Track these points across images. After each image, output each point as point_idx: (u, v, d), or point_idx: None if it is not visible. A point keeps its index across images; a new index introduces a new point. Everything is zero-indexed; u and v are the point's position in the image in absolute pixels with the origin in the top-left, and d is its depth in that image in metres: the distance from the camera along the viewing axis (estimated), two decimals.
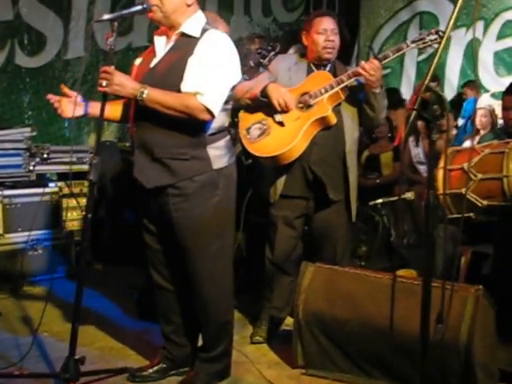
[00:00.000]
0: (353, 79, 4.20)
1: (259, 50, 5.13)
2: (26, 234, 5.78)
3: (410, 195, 5.82)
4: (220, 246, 3.48)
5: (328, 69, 4.41)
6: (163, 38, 3.48)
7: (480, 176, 3.94)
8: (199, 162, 3.34)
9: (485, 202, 3.95)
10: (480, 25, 8.98)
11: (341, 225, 4.47)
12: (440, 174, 4.00)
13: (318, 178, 4.32)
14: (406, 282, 3.42)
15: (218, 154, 3.40)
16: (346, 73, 4.21)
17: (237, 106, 4.19)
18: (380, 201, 5.79)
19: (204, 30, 3.36)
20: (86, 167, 6.66)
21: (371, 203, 5.81)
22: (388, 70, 10.34)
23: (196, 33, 3.35)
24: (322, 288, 3.80)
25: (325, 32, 4.32)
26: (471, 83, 8.78)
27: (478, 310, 3.27)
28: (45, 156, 6.51)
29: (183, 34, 3.38)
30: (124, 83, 3.20)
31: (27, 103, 7.92)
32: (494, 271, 4.29)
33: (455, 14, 2.23)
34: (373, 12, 10.60)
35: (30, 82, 7.89)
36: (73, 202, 6.61)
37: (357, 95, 4.36)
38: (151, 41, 3.58)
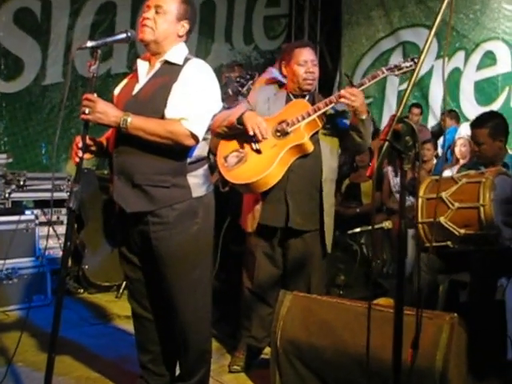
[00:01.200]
0: (329, 106, 4.18)
1: (238, 79, 5.13)
2: (1, 262, 5.74)
3: (387, 224, 5.82)
4: (198, 274, 3.47)
5: (306, 99, 4.39)
6: (146, 64, 3.48)
7: (457, 205, 4.00)
8: (179, 190, 3.32)
9: (462, 231, 4.01)
10: (461, 55, 9.16)
11: (316, 255, 4.42)
12: (419, 202, 4.02)
13: (296, 207, 4.28)
14: (381, 310, 3.39)
15: (198, 183, 3.39)
16: (323, 100, 4.20)
17: (215, 134, 4.18)
18: (358, 230, 5.79)
19: (186, 59, 3.39)
20: (63, 195, 6.68)
21: (349, 232, 5.81)
22: (370, 100, 10.44)
23: (179, 60, 3.37)
24: (299, 316, 3.76)
25: (305, 64, 4.31)
26: (451, 112, 8.89)
27: (453, 338, 3.25)
28: (21, 183, 6.48)
29: (166, 62, 3.40)
30: (107, 111, 3.17)
31: (3, 129, 7.94)
32: (470, 300, 4.30)
33: (427, 44, 2.23)
34: (354, 41, 10.72)
35: (6, 107, 7.93)
36: (50, 230, 6.59)
37: (336, 123, 4.35)
38: (131, 67, 3.59)
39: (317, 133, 4.28)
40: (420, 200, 4.19)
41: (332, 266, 5.68)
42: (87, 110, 3.13)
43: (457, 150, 6.79)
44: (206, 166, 3.50)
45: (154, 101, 3.29)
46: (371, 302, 3.54)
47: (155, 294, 3.58)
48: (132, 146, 3.27)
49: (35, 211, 6.42)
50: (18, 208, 6.47)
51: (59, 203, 6.97)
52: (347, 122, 4.34)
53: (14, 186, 6.46)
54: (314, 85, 4.41)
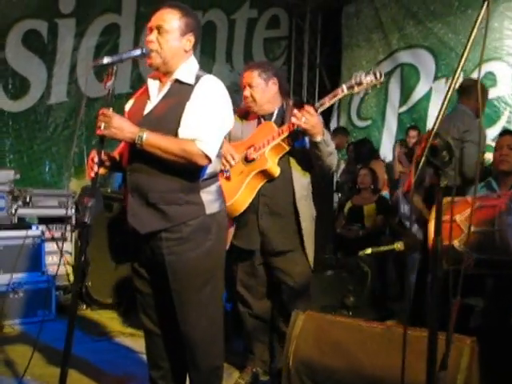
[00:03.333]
0: (292, 130, 4.13)
1: None
2: (8, 276, 5.79)
3: (399, 246, 5.72)
4: (211, 290, 3.44)
5: (275, 116, 4.37)
6: (157, 83, 3.46)
7: (472, 228, 3.89)
8: (193, 207, 3.31)
9: (476, 255, 3.89)
10: (460, 76, 8.98)
11: (299, 273, 4.42)
12: (431, 225, 3.97)
13: (269, 229, 4.32)
14: (400, 332, 3.25)
15: (211, 199, 3.37)
16: (287, 124, 4.15)
17: None
18: (369, 251, 5.72)
19: (198, 77, 3.36)
20: (68, 212, 6.74)
21: (360, 253, 5.76)
22: (368, 122, 10.42)
23: (190, 79, 3.34)
24: (312, 336, 3.71)
25: (243, 89, 4.34)
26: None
27: (474, 361, 3.22)
28: (27, 199, 6.55)
29: (177, 81, 3.37)
30: (122, 127, 3.16)
31: (9, 147, 8.00)
32: (485, 324, 4.27)
33: (465, 54, 2.26)
34: (354, 63, 10.65)
35: (12, 125, 8.01)
36: (54, 247, 6.64)
37: (297, 143, 4.29)
38: (134, 87, 3.58)
39: (287, 153, 4.27)
40: (433, 222, 4.14)
41: (342, 287, 5.65)
42: (103, 125, 3.12)
43: None
44: (218, 183, 3.49)
45: (166, 120, 3.27)
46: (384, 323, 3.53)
47: (166, 309, 3.54)
48: (145, 163, 3.26)
49: (40, 227, 6.48)
50: (23, 223, 6.54)
51: (64, 220, 7.03)
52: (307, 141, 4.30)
53: (20, 202, 6.52)
54: (255, 105, 4.35)
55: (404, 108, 9.93)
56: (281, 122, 4.30)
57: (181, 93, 3.33)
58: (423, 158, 2.13)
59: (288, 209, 4.33)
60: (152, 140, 3.16)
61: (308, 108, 4.04)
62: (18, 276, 5.92)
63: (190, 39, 3.40)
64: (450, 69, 9.18)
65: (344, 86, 4.08)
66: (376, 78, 4.03)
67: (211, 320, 3.49)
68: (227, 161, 4.19)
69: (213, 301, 3.49)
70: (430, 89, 9.55)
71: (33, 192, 6.70)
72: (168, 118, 3.28)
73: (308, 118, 4.00)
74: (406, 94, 9.84)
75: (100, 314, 6.47)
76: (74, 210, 7.06)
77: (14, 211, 6.41)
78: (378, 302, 6.36)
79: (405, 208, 7.47)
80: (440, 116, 2.22)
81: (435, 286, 2.31)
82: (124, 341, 5.56)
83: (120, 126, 3.16)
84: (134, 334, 5.72)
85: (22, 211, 6.62)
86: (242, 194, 4.17)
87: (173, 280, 3.38)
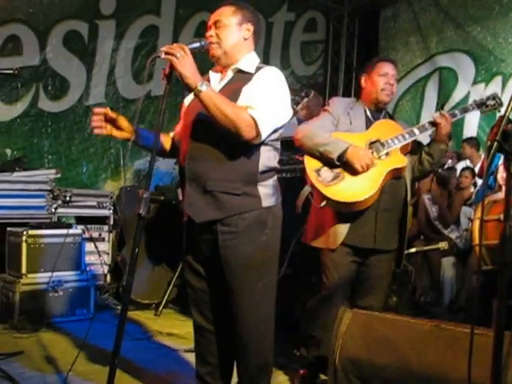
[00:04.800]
0: (423, 133, 4.25)
1: (292, 97, 5.13)
2: (48, 274, 5.85)
3: (443, 245, 5.61)
4: (265, 285, 3.42)
5: (382, 116, 4.40)
6: (218, 75, 3.49)
7: None
8: (250, 199, 3.30)
9: None
10: (498, 80, 8.97)
11: (390, 272, 4.46)
12: (476, 224, 3.89)
13: (383, 227, 4.25)
14: (449, 329, 3.33)
15: (268, 193, 3.37)
16: (418, 125, 4.26)
17: (299, 145, 4.24)
18: (413, 250, 5.62)
19: (259, 68, 3.39)
20: (106, 212, 6.83)
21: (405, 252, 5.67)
22: None
23: (251, 69, 3.37)
24: (359, 333, 3.66)
25: (386, 75, 4.32)
26: (472, 139, 8.72)
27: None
28: (67, 199, 6.60)
29: (239, 70, 3.41)
30: (192, 67, 3.08)
31: (48, 147, 8.08)
32: None
33: None
34: None
35: (51, 126, 8.11)
36: (91, 247, 6.70)
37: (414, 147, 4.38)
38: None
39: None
40: (477, 222, 4.07)
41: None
42: (179, 54, 3.03)
43: (499, 176, 6.73)
44: (275, 177, 3.47)
45: None
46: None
47: (218, 304, 3.54)
48: (204, 152, 3.28)
49: (79, 227, 6.54)
50: (62, 223, 6.60)
51: (101, 220, 7.08)
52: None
53: (59, 202, 6.58)
54: (390, 97, 4.39)
55: None
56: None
57: (241, 80, 3.35)
58: (495, 143, 2.09)
59: (399, 208, 4.34)
60: (210, 93, 3.13)
61: (447, 115, 4.19)
62: (59, 274, 5.96)
63: (249, 28, 3.44)
64: (489, 73, 9.15)
65: (473, 103, 4.31)
66: (498, 103, 4.27)
67: (263, 315, 3.47)
68: (368, 167, 4.09)
69: (266, 296, 3.46)
70: (468, 93, 9.48)
71: (72, 192, 6.77)
72: None
73: (445, 125, 4.17)
74: (443, 99, 9.75)
75: (137, 315, 6.50)
76: (111, 211, 7.13)
77: (53, 210, 6.48)
78: (418, 305, 6.31)
79: (432, 209, 7.45)
80: (511, 103, 2.16)
81: (503, 276, 2.23)
82: (163, 340, 5.59)
83: (190, 65, 3.09)
84: (172, 333, 5.77)
85: (61, 210, 6.69)
86: (378, 189, 4.11)
87: (227, 274, 3.37)
